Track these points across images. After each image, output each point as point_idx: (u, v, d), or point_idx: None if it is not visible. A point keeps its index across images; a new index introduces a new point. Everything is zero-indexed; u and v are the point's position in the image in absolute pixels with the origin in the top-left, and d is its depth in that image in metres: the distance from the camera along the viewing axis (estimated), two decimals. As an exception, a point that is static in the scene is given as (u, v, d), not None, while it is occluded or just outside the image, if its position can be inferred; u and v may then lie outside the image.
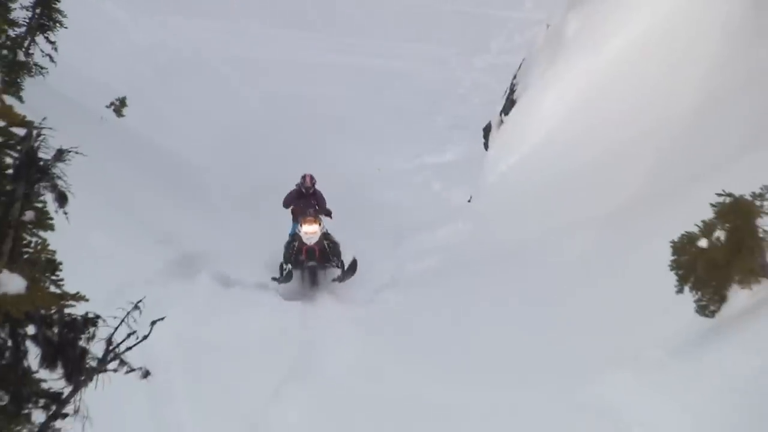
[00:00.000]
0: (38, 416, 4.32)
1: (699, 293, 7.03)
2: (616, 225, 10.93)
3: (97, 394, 4.35)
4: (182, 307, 10.25)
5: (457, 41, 29.09)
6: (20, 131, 4.28)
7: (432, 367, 9.58)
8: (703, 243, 6.90)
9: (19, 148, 4.28)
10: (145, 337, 4.52)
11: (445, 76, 27.59)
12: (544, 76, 15.99)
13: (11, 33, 12.59)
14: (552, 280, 10.61)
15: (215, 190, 18.20)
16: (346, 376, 9.78)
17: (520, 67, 18.11)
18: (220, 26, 29.17)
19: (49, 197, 4.38)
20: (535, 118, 15.63)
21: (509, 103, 17.33)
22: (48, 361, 4.28)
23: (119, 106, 19.34)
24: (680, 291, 7.07)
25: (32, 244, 4.38)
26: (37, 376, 4.29)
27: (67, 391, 4.32)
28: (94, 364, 4.36)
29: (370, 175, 20.82)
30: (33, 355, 4.26)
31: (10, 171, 4.30)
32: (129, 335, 4.41)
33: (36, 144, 4.28)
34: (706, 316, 7.04)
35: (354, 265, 13.24)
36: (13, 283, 4.07)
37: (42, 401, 4.34)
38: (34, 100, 11.78)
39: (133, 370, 4.48)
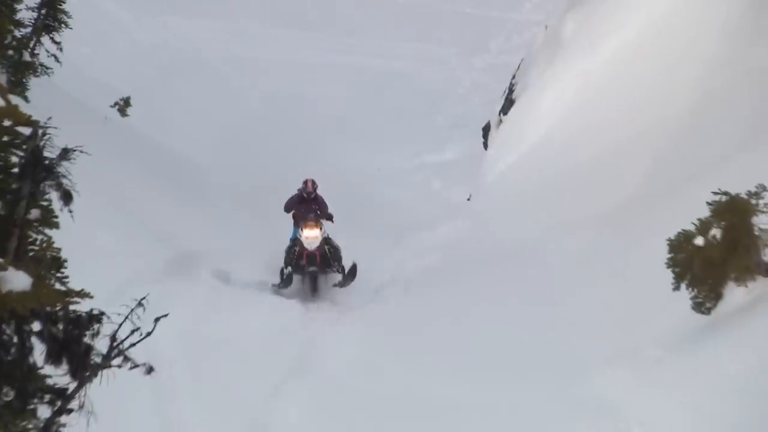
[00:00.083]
0: (43, 411, 4.36)
1: (695, 290, 7.10)
2: (613, 224, 10.98)
3: (101, 389, 4.39)
4: (184, 305, 10.33)
5: (456, 42, 29.14)
6: (26, 130, 4.33)
7: (432, 365, 9.64)
8: (699, 241, 6.97)
9: (24, 147, 4.34)
10: (149, 334, 4.56)
11: (444, 76, 27.64)
12: (543, 76, 16.06)
13: (17, 33, 12.63)
14: (551, 279, 10.67)
15: (216, 189, 18.24)
16: (346, 373, 9.85)
17: (518, 67, 18.18)
18: (220, 26, 29.23)
19: (54, 196, 4.44)
20: (534, 118, 15.69)
21: (508, 103, 17.41)
22: (53, 358, 4.31)
23: (123, 106, 19.39)
24: (677, 288, 7.14)
25: (37, 242, 4.43)
26: (43, 372, 4.33)
27: (72, 386, 4.37)
28: (98, 360, 4.40)
29: (370, 173, 20.88)
30: (38, 352, 4.29)
31: (16, 170, 4.35)
32: (133, 332, 4.45)
33: (41, 143, 4.34)
34: (703, 313, 7.11)
35: (354, 270, 13.20)
36: (19, 281, 4.07)
37: (47, 397, 4.38)
38: (39, 99, 11.83)
39: (136, 366, 4.52)
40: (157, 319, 4.65)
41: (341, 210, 14.55)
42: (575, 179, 13.36)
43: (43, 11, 13.45)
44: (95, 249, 10.00)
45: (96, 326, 4.35)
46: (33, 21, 13.39)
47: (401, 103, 25.71)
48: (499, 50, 28.45)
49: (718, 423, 6.17)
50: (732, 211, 6.86)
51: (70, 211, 4.45)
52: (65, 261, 4.50)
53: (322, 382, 9.67)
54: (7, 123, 4.29)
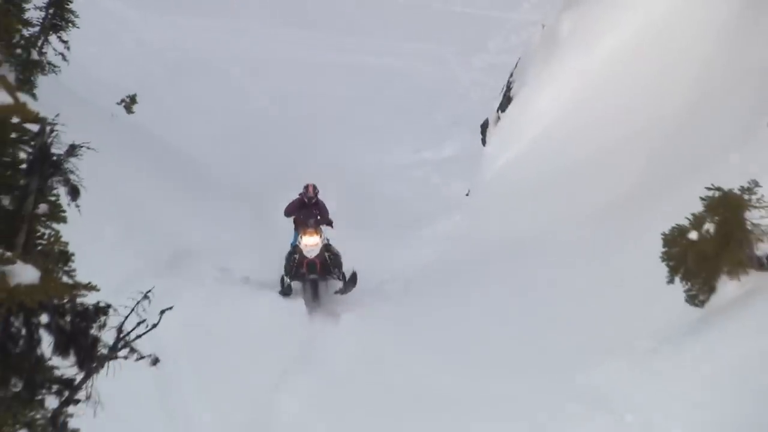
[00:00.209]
0: (51, 402, 4.42)
1: (689, 284, 7.23)
2: (610, 219, 11.08)
3: (108, 380, 4.45)
4: (189, 298, 10.41)
5: (456, 41, 29.20)
6: (34, 127, 4.38)
7: (431, 357, 9.76)
8: (693, 235, 7.09)
9: (32, 143, 4.39)
10: (155, 326, 4.64)
11: (444, 74, 27.73)
12: (540, 74, 16.15)
13: (25, 33, 12.69)
14: (548, 273, 10.78)
15: (220, 185, 18.30)
16: (347, 366, 9.97)
17: (516, 66, 18.27)
18: (224, 25, 29.33)
19: (61, 191, 4.49)
20: (531, 116, 15.78)
21: (506, 101, 17.52)
22: (61, 349, 4.36)
23: (129, 103, 19.47)
24: (671, 282, 7.27)
25: (45, 236, 4.48)
26: (50, 363, 4.38)
27: (79, 377, 4.43)
28: (105, 351, 4.46)
29: (371, 170, 20.95)
30: (46, 343, 4.34)
31: (25, 165, 4.40)
32: (138, 324, 4.52)
33: (49, 139, 4.39)
34: (696, 305, 7.24)
35: (354, 278, 13.00)
36: (27, 274, 4.11)
37: (55, 387, 4.44)
38: (47, 97, 11.86)
39: (142, 357, 4.59)
40: (162, 312, 4.72)
41: (342, 205, 14.58)
42: (572, 176, 13.47)
43: (50, 11, 13.51)
44: (102, 243, 10.11)
45: (102, 318, 4.39)
46: (41, 20, 13.45)
47: (401, 101, 25.81)
48: (497, 50, 28.52)
49: (710, 412, 6.29)
50: (725, 206, 6.98)
51: (77, 206, 4.51)
52: (72, 255, 4.54)
53: (323, 374, 9.79)
54: (15, 120, 4.33)
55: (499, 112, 17.56)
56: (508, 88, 17.70)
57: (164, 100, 23.24)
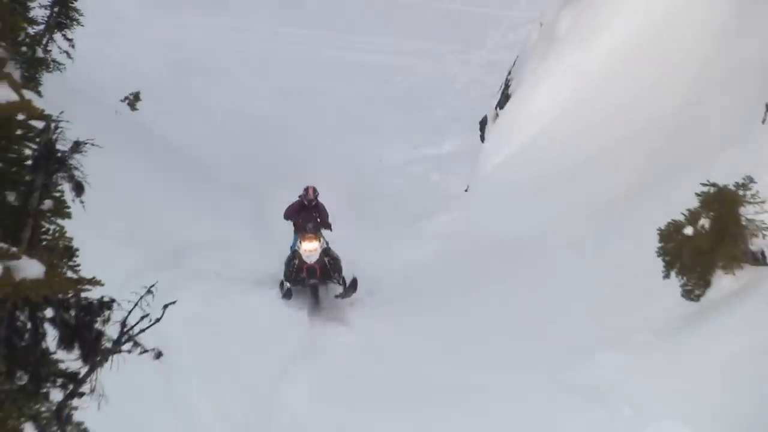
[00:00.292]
0: (56, 395, 4.46)
1: (685, 278, 7.31)
2: (607, 215, 11.16)
3: (112, 374, 4.50)
4: (192, 292, 10.46)
5: (454, 38, 29.28)
6: (39, 124, 4.42)
7: (431, 349, 9.87)
8: (688, 231, 7.17)
9: (37, 140, 4.43)
10: (158, 320, 4.65)
11: (443, 71, 27.81)
12: (537, 71, 16.20)
13: (30, 31, 12.75)
14: (546, 267, 10.86)
15: (223, 181, 18.35)
16: (348, 358, 10.07)
17: (514, 63, 18.34)
18: (227, 23, 29.43)
19: (66, 187, 4.53)
20: (529, 113, 15.82)
21: (504, 98, 17.60)
22: (65, 343, 4.42)
23: (133, 100, 19.57)
24: (667, 276, 7.34)
25: (50, 232, 4.52)
26: (55, 357, 4.43)
27: (83, 371, 4.46)
28: (109, 345, 4.49)
29: (371, 165, 21.01)
30: (51, 337, 4.39)
31: (30, 162, 4.44)
32: (142, 318, 4.55)
33: (54, 136, 4.43)
34: (692, 300, 7.32)
35: (354, 283, 12.93)
36: (32, 269, 4.13)
37: (59, 381, 4.48)
38: (52, 94, 11.90)
39: (146, 351, 4.61)
40: (165, 306, 4.73)
41: (342, 202, 14.63)
42: (570, 173, 13.52)
43: (55, 9, 13.59)
44: (106, 239, 10.16)
45: (107, 313, 4.45)
46: (46, 18, 13.53)
47: (401, 97, 25.91)
48: (495, 47, 28.61)
49: (705, 405, 6.37)
50: (720, 201, 7.06)
51: (82, 202, 4.55)
52: (77, 250, 4.57)
53: (325, 366, 9.90)
54: (21, 117, 4.36)
55: (498, 109, 17.62)
56: (507, 85, 17.78)
57: (166, 98, 23.28)
